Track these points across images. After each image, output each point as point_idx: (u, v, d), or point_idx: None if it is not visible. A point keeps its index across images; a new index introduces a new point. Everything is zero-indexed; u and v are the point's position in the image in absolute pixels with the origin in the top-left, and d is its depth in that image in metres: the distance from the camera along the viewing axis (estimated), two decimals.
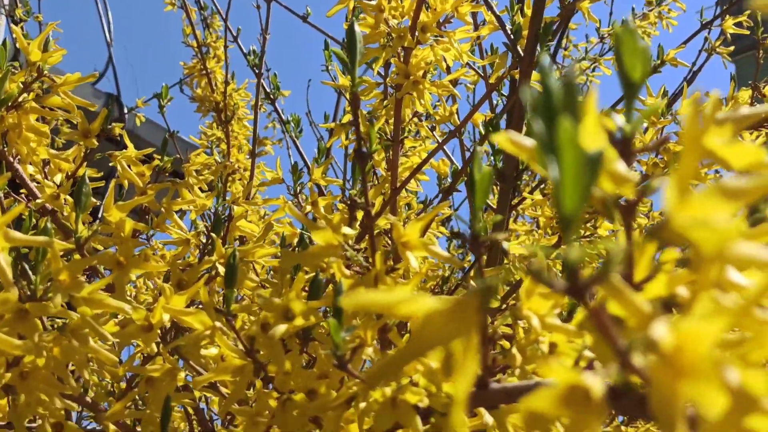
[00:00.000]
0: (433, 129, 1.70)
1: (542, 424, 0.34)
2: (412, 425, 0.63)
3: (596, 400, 0.32)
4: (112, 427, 0.85)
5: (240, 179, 2.00)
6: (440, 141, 1.47)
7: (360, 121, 1.64)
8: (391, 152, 1.52)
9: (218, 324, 0.77)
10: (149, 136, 4.13)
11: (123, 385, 0.96)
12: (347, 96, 1.41)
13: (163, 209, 1.26)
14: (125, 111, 3.21)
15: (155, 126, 4.73)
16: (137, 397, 0.92)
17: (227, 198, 1.73)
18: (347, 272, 0.74)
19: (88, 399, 0.87)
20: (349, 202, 0.95)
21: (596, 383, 0.32)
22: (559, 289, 0.31)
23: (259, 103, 1.92)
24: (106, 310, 0.77)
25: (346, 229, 0.73)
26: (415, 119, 1.67)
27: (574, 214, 0.31)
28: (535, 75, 1.24)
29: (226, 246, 1.06)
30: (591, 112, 0.41)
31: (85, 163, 1.15)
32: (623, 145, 0.44)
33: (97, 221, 0.95)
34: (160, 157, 1.35)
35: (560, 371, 0.32)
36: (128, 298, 0.86)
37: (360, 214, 0.85)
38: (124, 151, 1.21)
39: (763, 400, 0.29)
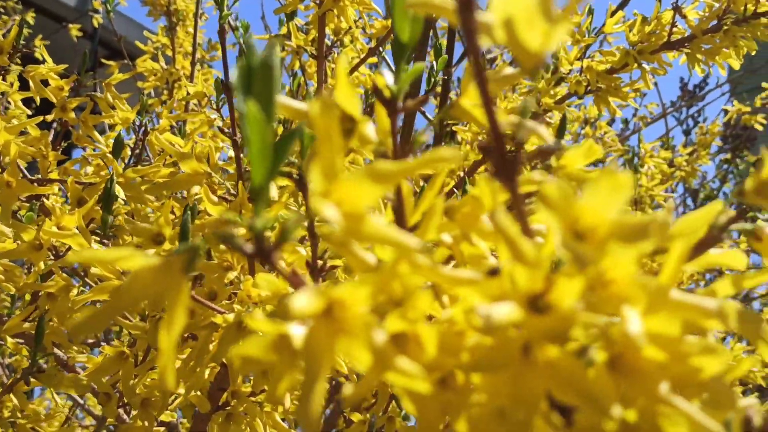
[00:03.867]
0: (369, 42, 1.69)
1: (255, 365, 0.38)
2: None
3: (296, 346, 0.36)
4: (10, 339, 0.90)
5: (186, 87, 1.99)
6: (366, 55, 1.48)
7: (292, 34, 1.63)
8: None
9: (95, 246, 0.81)
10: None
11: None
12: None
13: (80, 123, 1.28)
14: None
15: (131, 23, 4.67)
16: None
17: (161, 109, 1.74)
18: (214, 199, 0.78)
19: None
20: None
21: (296, 332, 0.36)
22: (247, 252, 0.35)
23: (200, 10, 1.89)
24: None
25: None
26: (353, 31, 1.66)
27: (262, 186, 0.35)
28: None
29: (129, 168, 1.09)
30: (342, 78, 0.44)
31: None
32: (390, 103, 0.47)
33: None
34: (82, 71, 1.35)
35: (265, 324, 0.36)
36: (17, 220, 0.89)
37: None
38: (37, 66, 1.21)
39: (398, 361, 0.33)
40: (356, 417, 1.24)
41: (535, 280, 0.33)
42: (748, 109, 2.77)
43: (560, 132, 0.62)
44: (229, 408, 1.01)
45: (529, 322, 0.33)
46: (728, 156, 3.48)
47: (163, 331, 0.36)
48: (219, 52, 2.43)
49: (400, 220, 0.44)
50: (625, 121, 2.93)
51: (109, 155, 1.02)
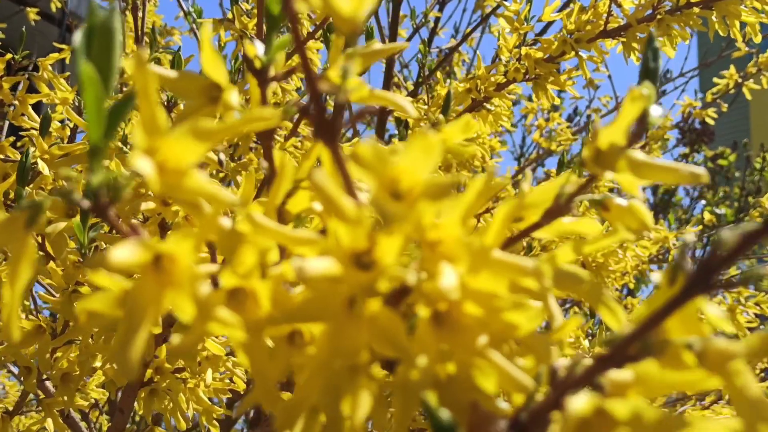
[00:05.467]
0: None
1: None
2: None
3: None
4: None
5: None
6: None
7: (236, 18, 1.63)
8: None
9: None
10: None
11: None
12: None
13: (17, 102, 1.28)
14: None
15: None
16: None
17: None
18: None
19: None
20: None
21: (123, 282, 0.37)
22: (85, 207, 0.36)
23: None
24: None
25: None
26: None
27: (99, 144, 0.36)
28: None
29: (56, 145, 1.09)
30: (207, 46, 0.45)
31: None
32: (260, 73, 0.48)
33: None
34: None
35: (108, 279, 0.37)
36: None
37: None
38: None
39: (219, 312, 0.34)
40: None
41: (357, 237, 0.35)
42: (699, 104, 2.81)
43: (445, 107, 0.63)
44: (153, 384, 1.02)
45: (349, 276, 0.35)
46: (687, 150, 3.53)
47: (7, 284, 0.37)
48: (175, 38, 2.43)
49: (272, 188, 0.46)
50: (575, 111, 2.96)
51: (35, 132, 1.02)
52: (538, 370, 0.36)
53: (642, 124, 0.45)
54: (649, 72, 0.47)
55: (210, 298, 0.34)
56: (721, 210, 3.41)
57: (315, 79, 0.33)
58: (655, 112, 0.45)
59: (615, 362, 0.34)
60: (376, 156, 0.33)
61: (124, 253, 0.33)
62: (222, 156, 0.60)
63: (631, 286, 2.65)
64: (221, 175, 0.92)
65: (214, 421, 1.12)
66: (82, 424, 1.25)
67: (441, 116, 0.77)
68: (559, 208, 0.45)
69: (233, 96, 0.45)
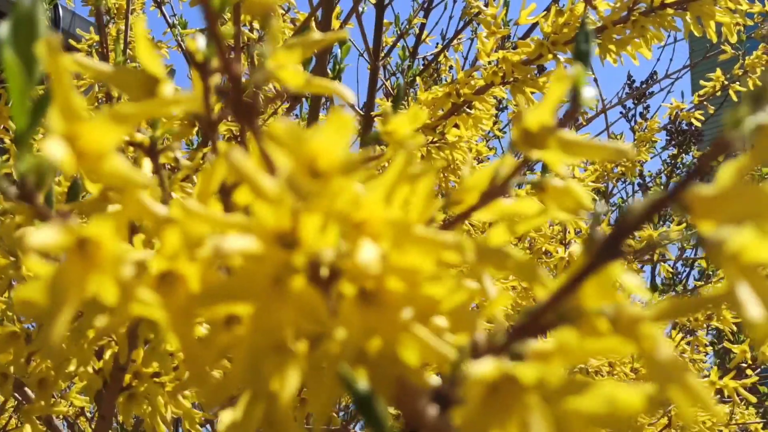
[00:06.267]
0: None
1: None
2: None
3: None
4: None
5: None
6: None
7: None
8: None
9: None
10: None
11: None
12: None
13: None
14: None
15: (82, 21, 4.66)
16: None
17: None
18: None
19: None
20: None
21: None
22: (10, 197, 0.37)
23: (131, 6, 1.91)
24: None
25: None
26: None
27: (23, 134, 0.36)
28: None
29: None
30: (142, 40, 0.45)
31: None
32: (202, 66, 0.49)
33: None
34: None
35: (41, 266, 0.38)
36: None
37: None
38: None
39: (140, 293, 0.35)
40: None
41: (280, 217, 0.35)
42: (686, 105, 2.83)
43: (396, 100, 0.64)
44: (131, 389, 1.03)
45: (271, 255, 0.35)
46: (675, 152, 3.54)
47: None
48: (162, 51, 2.44)
49: (206, 174, 0.46)
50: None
51: None
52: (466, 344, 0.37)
53: (575, 104, 0.45)
54: (580, 54, 0.47)
55: (132, 279, 0.35)
56: None
57: (231, 62, 0.34)
58: (588, 93, 0.46)
59: (532, 331, 0.34)
60: (291, 134, 0.34)
61: (44, 236, 0.33)
62: (179, 154, 0.60)
63: None
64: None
65: (198, 426, 1.12)
66: None
67: (390, 106, 0.77)
68: (496, 189, 0.46)
69: (168, 88, 0.46)
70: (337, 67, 1.14)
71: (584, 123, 2.63)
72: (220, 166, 0.43)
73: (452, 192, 0.48)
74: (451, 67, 2.85)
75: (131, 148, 0.65)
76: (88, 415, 1.63)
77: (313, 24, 1.40)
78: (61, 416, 1.46)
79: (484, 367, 0.30)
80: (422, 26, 2.43)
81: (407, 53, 1.68)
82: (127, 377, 1.03)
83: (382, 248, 0.36)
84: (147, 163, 0.60)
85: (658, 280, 3.65)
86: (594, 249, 0.33)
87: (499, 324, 0.36)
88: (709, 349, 3.30)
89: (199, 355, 0.38)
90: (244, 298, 0.36)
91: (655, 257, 2.59)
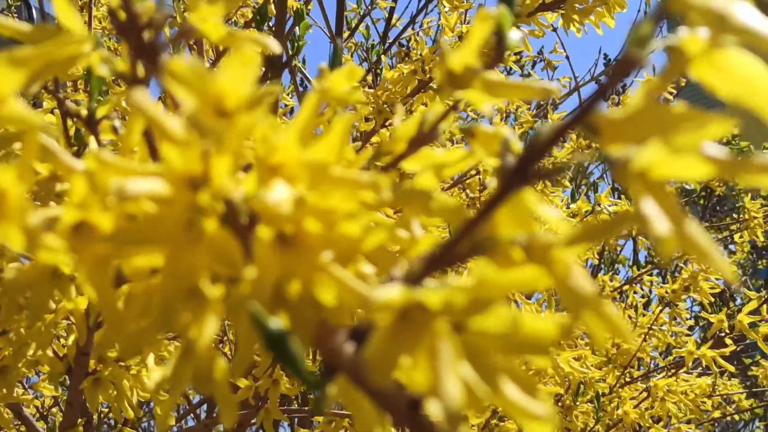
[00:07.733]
0: None
1: None
2: None
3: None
4: None
5: None
6: None
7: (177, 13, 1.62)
8: None
9: None
10: None
11: None
12: None
13: None
14: None
15: None
16: None
17: None
18: None
19: None
20: None
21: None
22: None
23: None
24: None
25: None
26: None
27: None
28: None
29: None
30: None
31: None
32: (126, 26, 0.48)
33: None
34: None
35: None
36: None
37: None
38: None
39: (45, 239, 0.34)
40: (242, 383, 1.26)
41: (189, 160, 0.35)
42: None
43: (333, 61, 0.63)
44: (96, 374, 1.02)
45: (181, 198, 0.34)
46: None
47: None
48: None
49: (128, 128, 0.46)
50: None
51: None
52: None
53: (500, 47, 0.45)
54: None
55: (38, 226, 0.34)
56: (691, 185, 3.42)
57: (130, 3, 0.33)
58: (514, 36, 0.45)
59: (446, 261, 0.34)
60: (194, 73, 0.33)
61: None
62: (117, 123, 0.60)
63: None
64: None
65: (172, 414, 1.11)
66: (40, 424, 1.24)
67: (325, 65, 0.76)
68: (423, 136, 0.45)
69: (87, 45, 0.45)
70: (296, 44, 1.13)
71: (556, 100, 2.63)
72: (137, 119, 0.42)
73: (383, 143, 0.48)
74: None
75: (70, 120, 0.64)
76: (62, 406, 1.62)
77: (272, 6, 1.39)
78: (31, 406, 1.45)
79: (390, 292, 0.29)
80: (392, 10, 2.42)
81: (370, 33, 1.67)
82: (92, 362, 1.02)
83: (298, 190, 0.36)
84: (92, 141, 0.60)
85: (641, 258, 3.67)
86: (504, 175, 0.32)
87: (415, 259, 0.36)
88: (692, 322, 3.32)
89: (115, 305, 0.38)
90: (154, 242, 0.35)
91: (633, 231, 2.59)
